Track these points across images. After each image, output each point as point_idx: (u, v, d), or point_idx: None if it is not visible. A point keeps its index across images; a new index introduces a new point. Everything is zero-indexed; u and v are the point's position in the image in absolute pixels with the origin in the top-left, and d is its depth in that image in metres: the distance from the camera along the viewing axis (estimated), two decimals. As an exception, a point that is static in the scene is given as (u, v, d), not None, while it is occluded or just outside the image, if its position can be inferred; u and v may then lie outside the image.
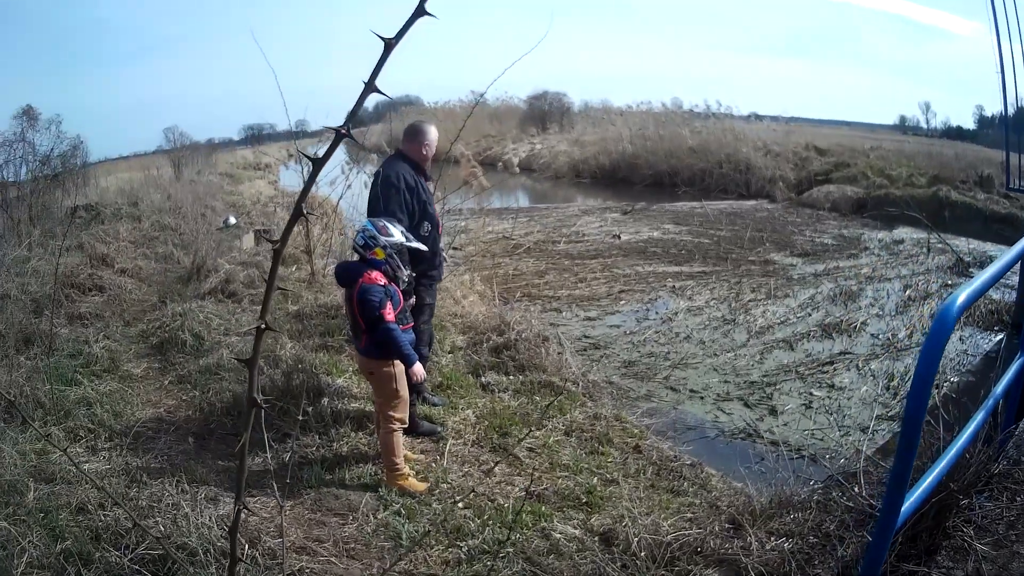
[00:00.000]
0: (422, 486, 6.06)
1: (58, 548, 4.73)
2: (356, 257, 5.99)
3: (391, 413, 5.98)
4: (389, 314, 5.80)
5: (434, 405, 7.50)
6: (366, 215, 6.50)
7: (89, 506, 5.28)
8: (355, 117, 1.79)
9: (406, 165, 6.83)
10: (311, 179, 1.83)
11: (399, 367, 5.98)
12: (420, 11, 1.59)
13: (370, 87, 1.64)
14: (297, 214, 1.79)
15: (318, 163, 1.81)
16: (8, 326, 9.03)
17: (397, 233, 5.97)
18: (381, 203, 6.57)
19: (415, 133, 6.95)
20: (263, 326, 1.82)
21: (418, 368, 6.01)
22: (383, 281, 5.85)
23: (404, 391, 6.07)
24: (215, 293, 11.64)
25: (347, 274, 5.92)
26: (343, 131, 1.70)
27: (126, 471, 6.06)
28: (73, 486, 5.61)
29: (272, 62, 12.05)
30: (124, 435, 6.82)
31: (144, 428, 7.13)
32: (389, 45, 1.62)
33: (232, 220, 19.00)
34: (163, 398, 8.10)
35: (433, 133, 6.99)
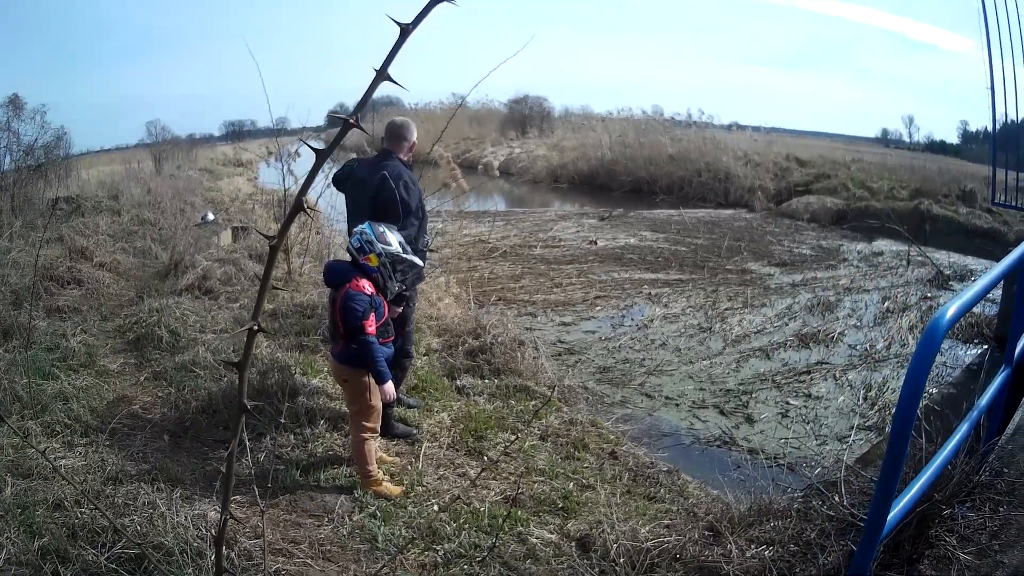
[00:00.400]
0: (397, 490, 6.04)
1: (35, 545, 4.70)
2: (348, 258, 5.92)
3: (364, 422, 5.96)
4: (371, 326, 5.73)
5: (409, 407, 7.47)
6: (370, 217, 6.20)
7: (66, 503, 5.25)
8: (365, 107, 1.71)
9: (405, 165, 6.81)
10: (313, 171, 1.79)
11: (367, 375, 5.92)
12: None
13: (382, 75, 1.59)
14: (297, 208, 1.74)
15: (322, 154, 1.74)
16: None
17: (395, 242, 5.90)
18: (400, 208, 6.51)
19: (404, 131, 6.90)
20: (256, 327, 1.75)
21: (389, 388, 5.90)
22: (370, 290, 5.76)
23: (377, 402, 6.01)
24: (192, 289, 11.57)
25: (336, 276, 5.79)
26: (352, 121, 1.65)
27: (102, 468, 6.01)
28: (50, 482, 5.58)
29: (257, 61, 12.05)
30: (100, 431, 6.78)
31: (120, 424, 7.06)
32: (405, 31, 1.57)
33: (210, 216, 18.94)
34: (139, 394, 8.02)
35: (415, 130, 6.97)
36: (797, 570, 4.24)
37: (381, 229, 5.85)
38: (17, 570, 4.51)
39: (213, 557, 4.46)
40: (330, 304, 5.88)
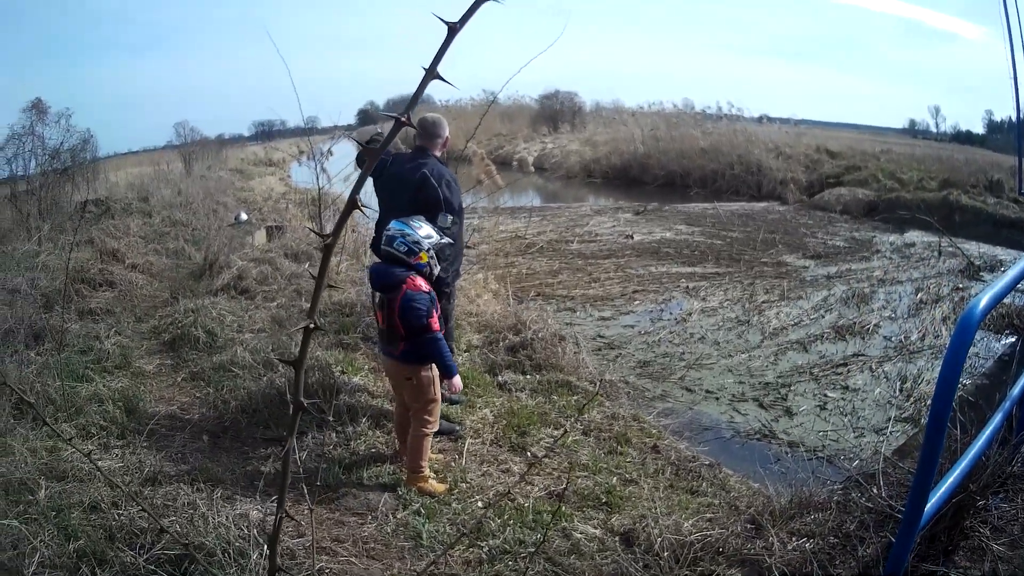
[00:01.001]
0: (442, 487, 6.02)
1: (71, 547, 4.71)
2: (388, 259, 5.83)
3: (427, 417, 5.95)
4: (436, 323, 5.75)
5: (452, 403, 7.43)
6: (418, 215, 6.14)
7: (103, 505, 5.26)
8: (415, 105, 1.76)
9: (443, 162, 6.85)
10: (366, 171, 1.81)
11: (435, 370, 5.93)
12: None
13: (431, 74, 1.62)
14: (351, 207, 1.72)
15: (373, 153, 1.78)
16: (18, 321, 8.93)
17: (432, 231, 5.89)
18: (444, 207, 6.55)
19: (437, 128, 6.90)
20: (312, 325, 1.77)
21: (458, 380, 5.98)
22: (427, 288, 5.78)
23: (439, 394, 6.05)
24: (228, 289, 11.62)
25: (388, 280, 5.72)
26: (403, 119, 1.67)
27: (140, 469, 6.03)
28: (85, 484, 5.58)
29: (285, 60, 12.06)
30: (137, 433, 6.78)
31: (157, 426, 7.08)
32: (453, 29, 1.59)
33: (244, 216, 18.97)
34: (176, 395, 8.08)
35: (447, 127, 6.98)
36: (837, 562, 4.26)
37: (416, 224, 5.83)
38: (52, 573, 4.52)
39: (256, 556, 4.49)
40: (382, 307, 5.82)
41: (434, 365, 5.88)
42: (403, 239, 5.72)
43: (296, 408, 1.84)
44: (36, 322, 9.25)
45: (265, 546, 4.63)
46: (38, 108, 19.09)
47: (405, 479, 6.06)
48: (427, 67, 1.61)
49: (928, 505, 3.33)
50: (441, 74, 1.63)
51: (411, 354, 5.80)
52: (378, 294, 5.84)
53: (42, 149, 19.06)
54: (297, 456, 6.30)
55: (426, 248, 5.77)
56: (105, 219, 17.33)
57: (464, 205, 7.29)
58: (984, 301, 3.24)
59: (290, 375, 7.50)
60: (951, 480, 3.61)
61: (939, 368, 3.35)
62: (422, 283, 5.75)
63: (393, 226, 5.81)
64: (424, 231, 5.81)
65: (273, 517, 5.33)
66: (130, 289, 11.97)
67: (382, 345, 6.09)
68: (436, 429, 6.16)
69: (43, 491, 5.40)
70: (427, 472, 6.04)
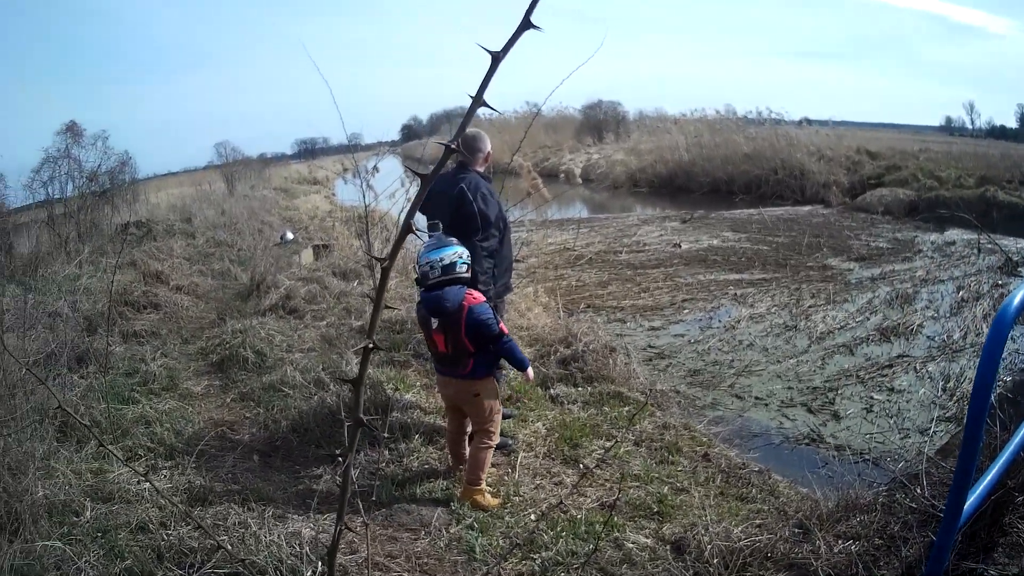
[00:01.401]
0: (495, 501, 6.00)
1: (117, 568, 4.73)
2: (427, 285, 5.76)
3: (491, 428, 6.00)
4: (504, 327, 5.82)
5: (505, 417, 7.33)
6: (452, 231, 6.10)
7: (151, 525, 5.27)
8: (464, 131, 1.85)
9: (483, 176, 6.83)
10: (419, 195, 1.87)
11: (494, 381, 6.04)
12: (527, 24, 1.62)
13: (478, 101, 1.70)
14: (406, 231, 1.81)
15: (426, 179, 1.81)
16: (60, 345, 8.88)
17: (454, 241, 5.84)
18: (479, 220, 6.49)
19: (478, 142, 6.88)
20: (371, 345, 1.84)
21: (530, 370, 6.10)
22: (482, 296, 5.82)
23: (500, 408, 6.11)
24: (276, 309, 11.68)
25: (446, 304, 5.61)
26: (452, 146, 1.74)
27: (189, 490, 6.10)
28: (132, 505, 5.61)
29: (321, 75, 12.15)
30: (186, 454, 6.80)
31: (207, 446, 7.08)
32: (496, 58, 1.65)
33: (289, 235, 19.14)
34: (225, 415, 8.14)
35: (488, 141, 6.96)
36: (881, 563, 4.28)
37: (444, 242, 5.78)
38: None
39: (310, 574, 4.60)
40: (442, 332, 5.77)
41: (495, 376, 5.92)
42: (440, 264, 5.68)
43: (355, 425, 1.92)
44: (79, 345, 9.25)
45: (319, 563, 4.69)
46: (73, 130, 19.36)
47: (460, 492, 6.07)
48: (473, 95, 1.69)
49: (968, 503, 3.36)
50: (487, 101, 1.70)
51: (480, 368, 5.83)
52: (435, 321, 5.77)
53: (79, 171, 19.34)
54: (338, 473, 6.30)
55: (465, 260, 5.76)
56: (147, 241, 17.51)
57: (510, 219, 7.31)
58: (1017, 299, 3.27)
59: (343, 393, 7.62)
60: (989, 477, 3.64)
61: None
62: (478, 294, 5.77)
63: (422, 259, 5.78)
64: (455, 243, 5.79)
65: (327, 533, 5.43)
66: (175, 311, 12.09)
67: (445, 368, 6.04)
68: (498, 441, 6.19)
69: (88, 512, 5.44)
70: (485, 485, 6.05)
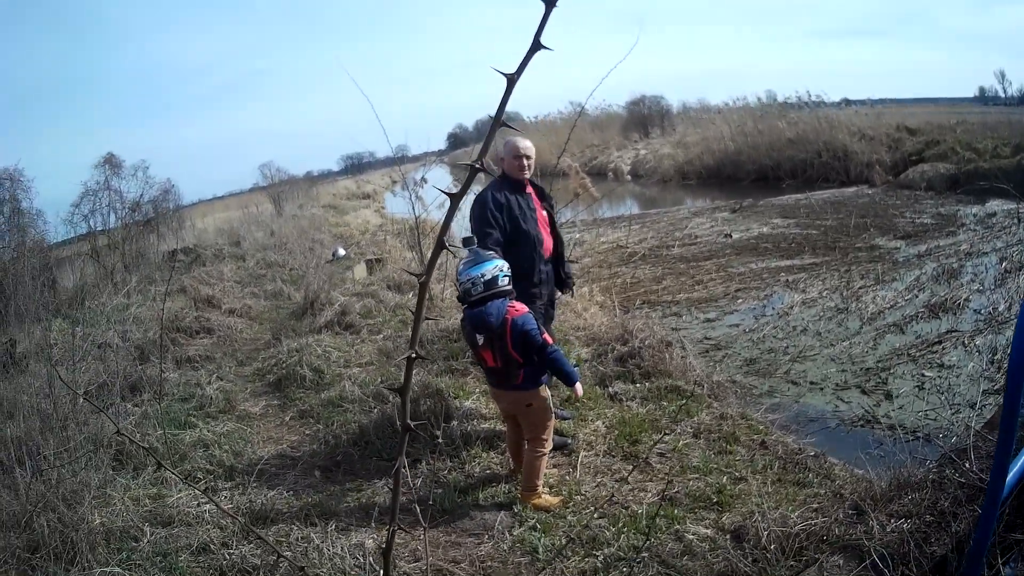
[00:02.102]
0: (556, 500, 6.06)
1: None
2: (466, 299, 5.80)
3: (544, 438, 6.01)
4: (549, 337, 5.86)
5: (564, 419, 7.45)
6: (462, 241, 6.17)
7: (212, 546, 5.41)
8: (486, 152, 1.87)
9: (502, 183, 6.89)
10: (450, 214, 1.91)
11: (547, 390, 6.04)
12: (537, 45, 1.67)
13: (498, 122, 1.76)
14: (439, 247, 1.86)
15: (455, 198, 1.89)
16: (112, 375, 8.90)
17: (494, 254, 5.90)
18: (472, 225, 6.70)
19: (497, 151, 7.05)
20: (414, 355, 1.92)
21: (579, 386, 6.00)
22: (526, 307, 5.84)
23: (553, 415, 6.12)
24: (331, 326, 11.76)
25: (489, 320, 5.64)
26: (477, 166, 1.80)
27: (250, 509, 6.17)
28: (193, 527, 5.72)
29: (360, 91, 12.22)
30: (247, 474, 6.90)
31: (267, 465, 7.26)
32: (511, 80, 1.71)
33: (341, 252, 19.27)
34: (285, 434, 8.26)
35: (509, 145, 6.94)
36: (932, 540, 4.29)
37: (481, 257, 5.81)
38: None
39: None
40: (489, 347, 5.81)
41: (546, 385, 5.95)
42: (481, 280, 5.69)
43: (404, 430, 2.00)
44: (131, 374, 9.39)
45: (381, 572, 4.71)
46: (111, 163, 19.66)
47: (520, 497, 6.12)
48: (493, 115, 1.76)
49: (1010, 474, 3.38)
50: (506, 121, 1.78)
51: (531, 378, 5.86)
52: (480, 337, 5.79)
53: (120, 202, 19.53)
54: (411, 482, 6.40)
55: (504, 273, 5.77)
56: (196, 266, 17.75)
57: (561, 220, 7.17)
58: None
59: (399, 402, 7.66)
60: (1031, 447, 3.66)
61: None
62: (520, 306, 5.80)
63: (463, 276, 5.76)
64: (492, 256, 5.82)
65: (394, 536, 5.52)
66: (229, 334, 12.26)
67: (496, 381, 6.09)
68: (551, 448, 6.22)
69: (147, 538, 5.57)
70: (541, 490, 6.09)
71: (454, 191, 1.90)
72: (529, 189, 7.05)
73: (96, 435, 7.03)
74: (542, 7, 1.64)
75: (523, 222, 6.80)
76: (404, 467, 2.08)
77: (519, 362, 5.75)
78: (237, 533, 5.55)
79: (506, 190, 6.83)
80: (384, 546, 2.15)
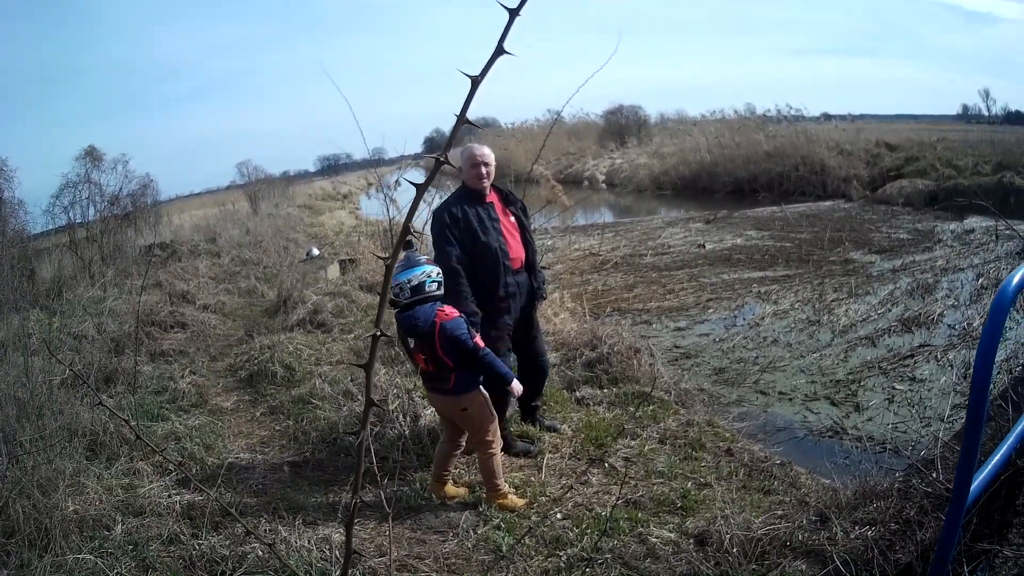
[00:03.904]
0: (522, 502, 6.07)
1: None
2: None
3: (489, 439, 5.97)
4: (480, 341, 5.78)
5: (524, 454, 7.10)
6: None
7: (182, 536, 5.44)
8: (450, 147, 1.95)
9: (461, 195, 6.81)
10: (415, 201, 1.94)
11: (484, 390, 5.97)
12: (499, 51, 1.72)
13: (461, 120, 1.79)
14: (404, 233, 1.93)
15: (420, 188, 1.93)
16: (87, 366, 9.10)
17: (425, 259, 5.85)
18: (434, 245, 6.64)
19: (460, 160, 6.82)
20: (379, 333, 1.96)
21: (517, 385, 5.97)
22: (456, 312, 5.78)
23: (493, 410, 6.04)
24: (303, 324, 11.83)
25: (419, 323, 5.64)
26: (441, 159, 1.86)
27: (219, 502, 5.89)
28: (163, 518, 5.75)
29: (341, 93, 12.25)
30: (217, 467, 6.98)
31: (237, 460, 7.31)
32: (475, 82, 1.76)
33: (315, 251, 19.33)
34: (255, 429, 8.29)
35: (466, 153, 6.85)
36: (897, 547, 4.33)
37: (414, 260, 5.79)
38: None
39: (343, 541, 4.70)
40: (422, 350, 5.78)
41: (482, 387, 5.93)
42: (408, 286, 5.69)
43: (368, 405, 2.02)
44: (106, 366, 9.49)
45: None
46: (92, 155, 19.59)
47: (485, 498, 6.12)
48: (457, 114, 1.79)
49: (975, 483, 3.40)
50: (469, 119, 1.81)
51: (463, 382, 5.82)
52: (411, 340, 5.82)
53: (100, 196, 19.55)
54: (378, 479, 6.39)
55: (436, 280, 5.77)
56: (172, 262, 17.72)
57: (535, 226, 7.03)
58: (1016, 279, 3.32)
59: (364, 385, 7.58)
60: (998, 457, 3.67)
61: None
62: (450, 310, 5.77)
63: (392, 281, 5.65)
64: (418, 268, 5.73)
65: (358, 538, 5.50)
66: (203, 329, 12.32)
67: (430, 385, 6.07)
68: (501, 446, 6.20)
69: (119, 526, 5.60)
70: (505, 488, 6.10)
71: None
72: (491, 198, 6.93)
73: (71, 424, 7.04)
74: (506, 15, 1.68)
75: (482, 234, 6.68)
76: (368, 441, 2.10)
77: (450, 366, 5.73)
78: (206, 524, 5.57)
79: (464, 202, 6.75)
80: (346, 518, 2.16)
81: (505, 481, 6.18)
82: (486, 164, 6.76)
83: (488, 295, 6.64)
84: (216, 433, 7.97)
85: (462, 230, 6.62)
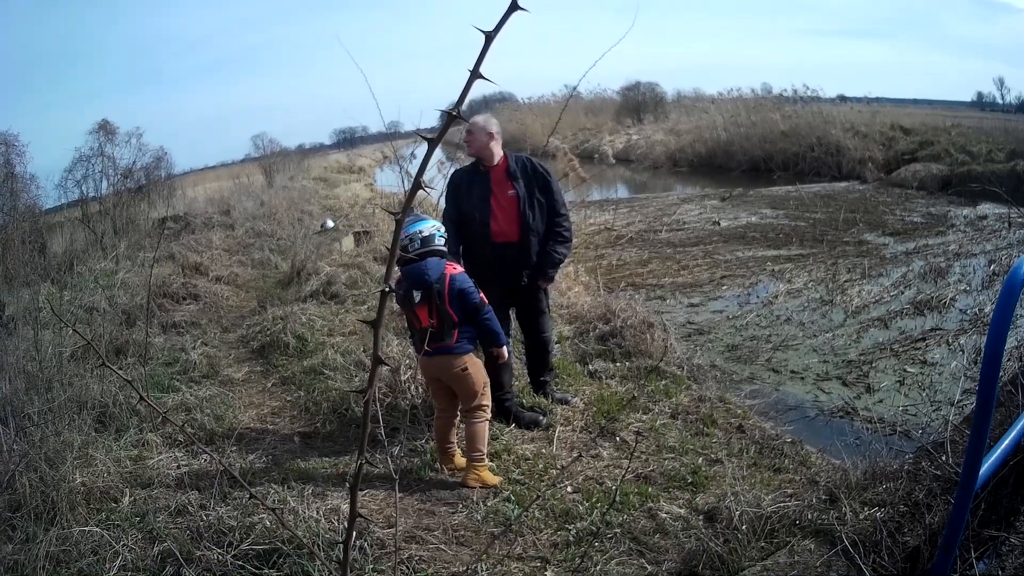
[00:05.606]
0: (496, 479, 5.96)
1: (155, 550, 4.84)
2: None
3: (484, 402, 5.96)
4: (483, 296, 5.86)
5: (535, 424, 7.03)
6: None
7: (190, 508, 5.39)
8: (462, 103, 1.90)
9: (467, 166, 7.06)
10: (427, 156, 1.95)
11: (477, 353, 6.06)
12: (514, 6, 1.69)
13: (475, 75, 1.76)
14: (416, 187, 1.91)
15: (432, 142, 1.92)
16: (98, 338, 9.04)
17: (430, 220, 5.92)
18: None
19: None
20: (387, 289, 1.95)
21: (505, 349, 6.15)
22: (461, 267, 5.90)
23: (486, 374, 6.10)
24: (317, 295, 11.80)
25: (428, 274, 5.66)
26: (454, 113, 1.81)
27: (228, 472, 5.96)
28: (172, 490, 5.77)
29: (358, 66, 12.23)
30: (227, 438, 6.92)
31: (247, 430, 7.30)
32: (489, 37, 1.74)
33: (330, 223, 19.23)
34: (266, 400, 8.27)
35: (472, 123, 6.81)
36: (905, 529, 4.30)
37: (416, 216, 5.94)
38: (133, 575, 4.67)
39: (347, 508, 4.71)
40: (427, 303, 5.76)
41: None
42: (418, 237, 5.76)
43: (375, 362, 2.01)
44: (117, 338, 9.43)
45: (356, 536, 4.67)
46: (105, 129, 19.44)
47: (464, 471, 6.01)
48: (471, 69, 1.76)
49: (983, 467, 3.39)
50: (483, 74, 1.81)
51: (464, 340, 5.86)
52: (417, 294, 5.78)
53: (113, 169, 19.44)
54: (389, 452, 6.36)
55: (440, 233, 5.85)
56: (185, 234, 17.59)
57: (462, 207, 7.00)
58: (1028, 262, 3.31)
59: (385, 375, 7.55)
60: (1007, 442, 3.65)
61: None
62: (457, 264, 5.91)
63: (404, 232, 5.63)
64: (427, 221, 5.87)
65: (366, 508, 5.51)
66: (215, 301, 12.28)
67: (429, 345, 5.88)
68: (490, 414, 6.13)
69: (127, 498, 5.61)
70: (486, 460, 6.02)
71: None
72: (498, 168, 6.90)
73: (80, 396, 7.01)
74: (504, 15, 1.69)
75: (466, 201, 6.85)
76: (375, 400, 2.11)
77: (455, 320, 5.77)
78: (215, 495, 5.51)
79: (466, 170, 7.02)
80: (352, 480, 2.15)
81: (513, 454, 6.23)
82: (469, 132, 6.81)
83: (468, 263, 6.76)
84: (227, 404, 7.89)
85: (455, 195, 6.94)
